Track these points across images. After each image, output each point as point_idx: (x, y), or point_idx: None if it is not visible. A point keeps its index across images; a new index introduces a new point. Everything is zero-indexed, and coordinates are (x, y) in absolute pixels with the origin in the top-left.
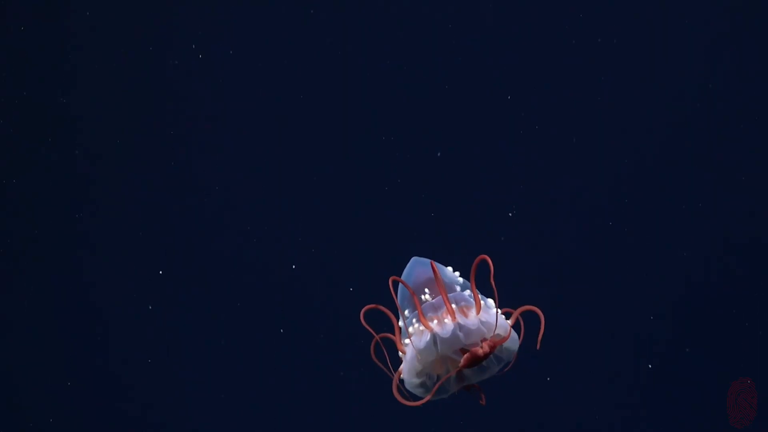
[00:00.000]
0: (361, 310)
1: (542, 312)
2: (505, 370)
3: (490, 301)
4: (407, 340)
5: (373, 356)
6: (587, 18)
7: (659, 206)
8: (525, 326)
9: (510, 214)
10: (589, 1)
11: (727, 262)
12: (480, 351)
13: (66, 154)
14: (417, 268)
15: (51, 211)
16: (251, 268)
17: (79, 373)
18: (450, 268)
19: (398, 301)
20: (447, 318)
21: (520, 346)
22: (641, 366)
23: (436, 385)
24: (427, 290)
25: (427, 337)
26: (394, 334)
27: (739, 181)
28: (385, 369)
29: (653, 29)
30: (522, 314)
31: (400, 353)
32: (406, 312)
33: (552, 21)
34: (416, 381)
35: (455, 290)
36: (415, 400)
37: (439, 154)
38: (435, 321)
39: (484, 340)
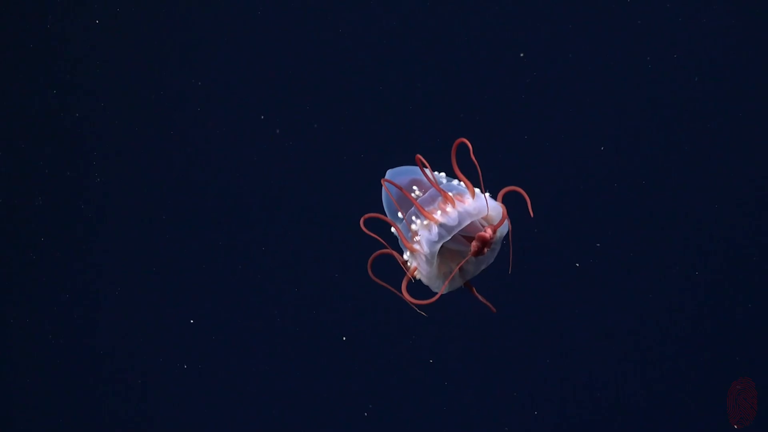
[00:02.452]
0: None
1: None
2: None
3: (477, 189)
4: (417, 237)
5: (371, 273)
6: (587, 17)
7: (659, 205)
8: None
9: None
10: (588, 2)
11: (728, 260)
12: (486, 235)
13: (65, 154)
14: (398, 176)
15: (50, 211)
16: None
17: (78, 373)
18: (429, 168)
19: (392, 208)
20: (447, 206)
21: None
22: (641, 365)
23: (449, 277)
24: (415, 188)
25: (434, 228)
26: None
27: (740, 179)
28: (384, 284)
29: (653, 29)
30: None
31: (407, 257)
32: (401, 216)
33: (551, 20)
34: (433, 273)
35: (442, 182)
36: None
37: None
38: (437, 212)
39: (484, 225)
